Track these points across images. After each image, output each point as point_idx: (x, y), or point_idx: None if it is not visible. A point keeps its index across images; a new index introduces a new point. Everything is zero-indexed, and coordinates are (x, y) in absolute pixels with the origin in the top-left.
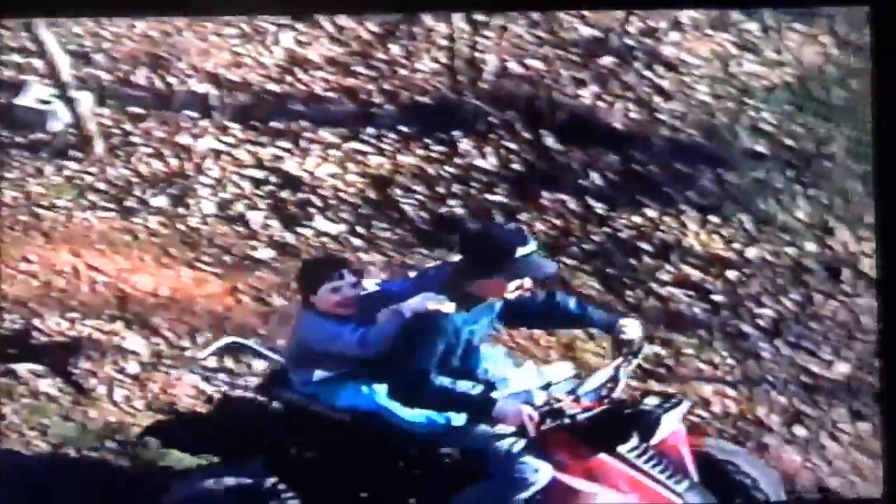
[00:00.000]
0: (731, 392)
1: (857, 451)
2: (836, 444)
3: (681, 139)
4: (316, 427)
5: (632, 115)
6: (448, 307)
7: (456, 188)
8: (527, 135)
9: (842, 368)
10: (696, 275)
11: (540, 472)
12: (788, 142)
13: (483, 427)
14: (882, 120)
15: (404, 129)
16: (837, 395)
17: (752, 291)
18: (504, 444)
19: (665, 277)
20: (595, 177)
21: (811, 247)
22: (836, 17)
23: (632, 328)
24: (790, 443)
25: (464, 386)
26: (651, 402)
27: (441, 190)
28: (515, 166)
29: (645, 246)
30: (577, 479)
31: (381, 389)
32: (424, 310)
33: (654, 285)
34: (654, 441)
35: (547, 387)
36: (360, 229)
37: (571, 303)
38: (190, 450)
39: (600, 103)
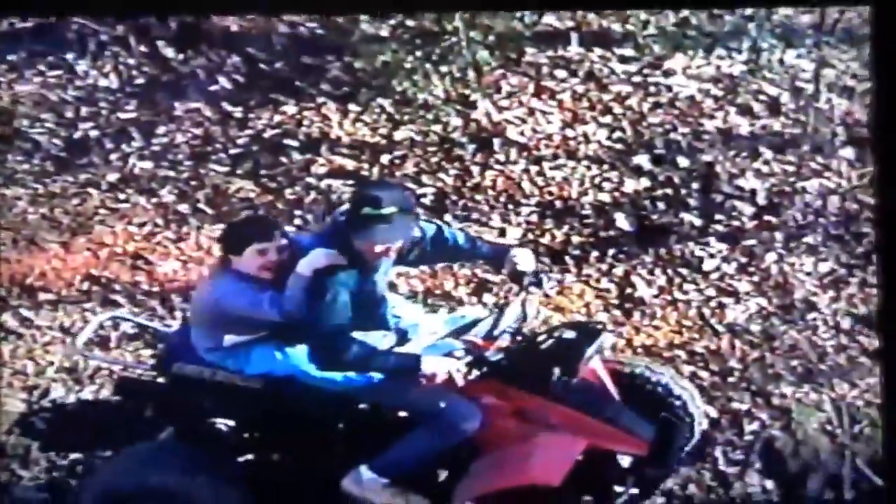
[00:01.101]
0: (413, 271)
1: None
2: None
3: (301, 32)
4: (226, 397)
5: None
6: (341, 259)
7: (85, 111)
8: (143, 48)
9: (513, 233)
10: (349, 164)
11: (470, 419)
12: (410, 23)
13: (403, 381)
14: (882, 120)
15: (12, 57)
16: None
17: (409, 172)
18: (429, 394)
19: (321, 170)
20: (224, 81)
21: (456, 121)
22: None
23: (524, 259)
24: None
25: (376, 337)
26: (569, 334)
27: (70, 115)
28: (140, 81)
29: (291, 142)
30: (505, 420)
31: (295, 353)
32: (321, 265)
33: (311, 180)
34: (580, 374)
35: (462, 332)
36: None
37: (460, 237)
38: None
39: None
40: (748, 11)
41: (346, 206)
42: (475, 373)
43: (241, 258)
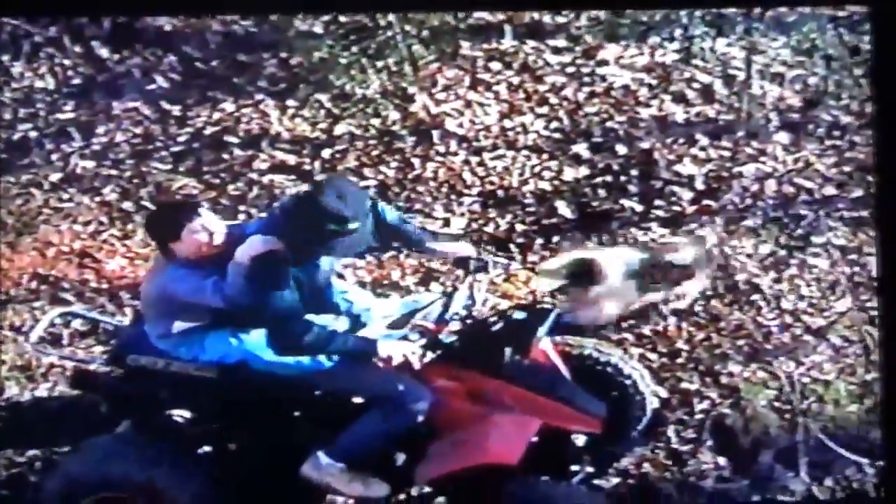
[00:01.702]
0: (360, 262)
1: None
2: None
3: (235, 30)
4: (181, 387)
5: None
6: (278, 245)
7: (22, 112)
8: (78, 48)
9: (457, 223)
10: (291, 159)
11: (422, 402)
12: (343, 18)
13: (357, 365)
14: (882, 120)
15: None
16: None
17: (351, 165)
18: (382, 378)
19: (263, 166)
20: (160, 80)
21: (394, 115)
22: None
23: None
24: None
25: (326, 320)
26: (519, 315)
27: (7, 116)
28: (76, 81)
29: (231, 139)
30: (460, 403)
31: (250, 338)
32: (258, 252)
33: (253, 175)
34: (531, 354)
35: (411, 315)
36: None
37: (391, 215)
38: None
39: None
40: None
41: (297, 201)
42: (430, 355)
43: (181, 242)
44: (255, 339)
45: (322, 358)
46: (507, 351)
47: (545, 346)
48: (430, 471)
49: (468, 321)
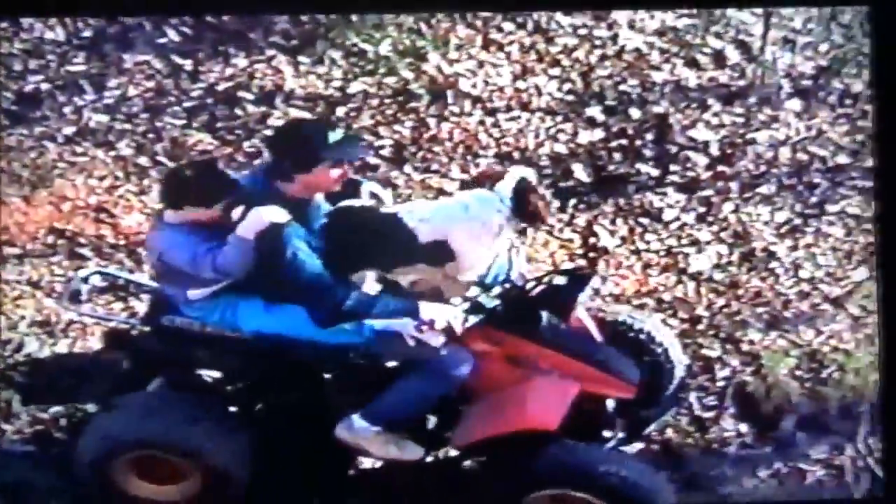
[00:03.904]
0: None
1: None
2: None
3: None
4: (216, 349)
5: None
6: (282, 214)
7: (33, 63)
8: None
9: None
10: (305, 116)
11: (461, 365)
12: None
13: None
14: (882, 120)
15: None
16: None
17: (365, 124)
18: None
19: (278, 122)
20: (172, 34)
21: (408, 74)
22: None
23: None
24: None
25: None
26: (559, 280)
27: (18, 67)
28: (87, 34)
29: (245, 95)
30: (499, 367)
31: (286, 316)
32: (264, 226)
33: (267, 132)
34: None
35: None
36: None
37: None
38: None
39: None
40: None
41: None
42: (472, 319)
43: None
44: (294, 317)
45: (367, 322)
46: (545, 315)
47: (580, 312)
48: (469, 435)
49: (507, 286)
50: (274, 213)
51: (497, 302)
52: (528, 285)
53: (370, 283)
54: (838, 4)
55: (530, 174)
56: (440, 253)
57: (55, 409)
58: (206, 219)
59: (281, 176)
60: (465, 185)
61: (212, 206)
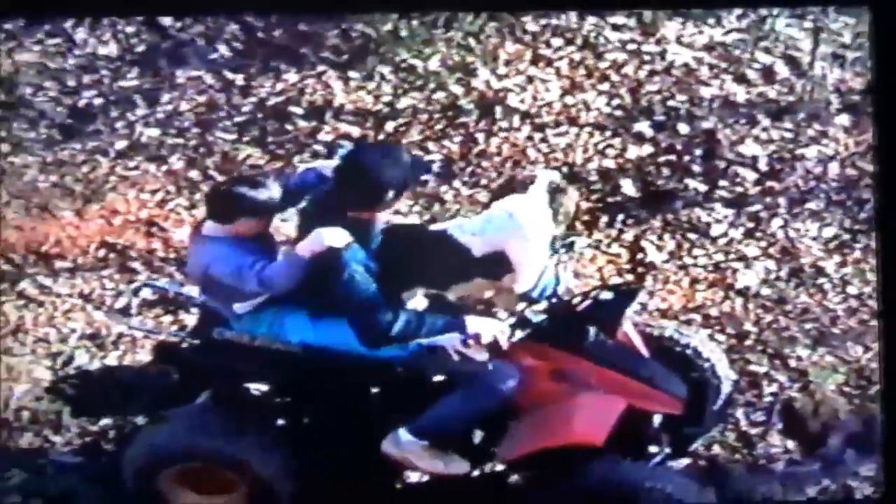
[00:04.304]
0: None
1: None
2: None
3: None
4: (264, 361)
5: None
6: (344, 238)
7: (87, 78)
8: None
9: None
10: (355, 131)
11: (508, 380)
12: None
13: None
14: (882, 120)
15: (8, 26)
16: None
17: (414, 139)
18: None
19: (327, 137)
20: (223, 49)
21: (457, 89)
22: None
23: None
24: None
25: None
26: (606, 295)
27: (72, 83)
28: (140, 49)
29: (296, 110)
30: (544, 382)
31: (334, 331)
32: (322, 249)
33: (317, 147)
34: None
35: None
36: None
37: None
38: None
39: None
40: None
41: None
42: (518, 334)
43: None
44: (340, 330)
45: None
46: (591, 330)
47: (626, 326)
48: (515, 449)
49: (554, 300)
50: (335, 237)
51: (543, 317)
52: (575, 300)
53: (419, 298)
54: (838, 4)
55: (557, 176)
56: (497, 265)
57: (104, 421)
58: (248, 231)
59: (348, 207)
60: (496, 194)
61: (258, 218)
